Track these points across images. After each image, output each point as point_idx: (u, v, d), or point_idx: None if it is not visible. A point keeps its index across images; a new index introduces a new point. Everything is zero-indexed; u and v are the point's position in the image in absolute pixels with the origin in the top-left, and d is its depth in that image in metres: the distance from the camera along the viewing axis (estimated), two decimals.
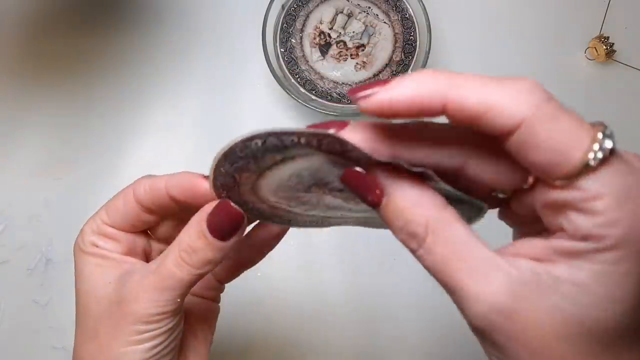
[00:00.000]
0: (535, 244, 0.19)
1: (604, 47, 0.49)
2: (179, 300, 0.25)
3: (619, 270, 0.18)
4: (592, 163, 0.17)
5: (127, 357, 0.25)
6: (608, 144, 0.17)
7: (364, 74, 0.46)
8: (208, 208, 0.25)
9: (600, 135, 0.17)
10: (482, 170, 0.20)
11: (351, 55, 0.47)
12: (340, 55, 0.47)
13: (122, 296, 0.25)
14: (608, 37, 0.49)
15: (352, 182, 0.21)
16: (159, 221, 0.28)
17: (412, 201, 0.20)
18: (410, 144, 0.21)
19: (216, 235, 0.24)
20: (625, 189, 0.18)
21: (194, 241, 0.25)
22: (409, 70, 0.46)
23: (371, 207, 0.21)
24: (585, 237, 0.18)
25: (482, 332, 0.19)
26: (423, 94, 0.19)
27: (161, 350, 0.26)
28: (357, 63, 0.47)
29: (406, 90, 0.19)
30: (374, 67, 0.47)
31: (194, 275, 0.25)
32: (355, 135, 0.21)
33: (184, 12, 0.51)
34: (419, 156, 0.20)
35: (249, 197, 0.25)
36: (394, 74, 0.46)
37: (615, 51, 0.49)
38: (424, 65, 0.45)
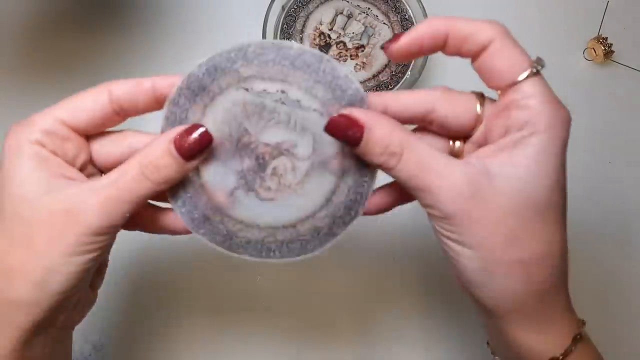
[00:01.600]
0: (485, 149, 0.26)
1: (603, 47, 0.49)
2: (128, 215, 0.26)
3: (546, 151, 0.24)
4: (526, 75, 0.25)
5: (64, 267, 0.25)
6: (538, 67, 0.26)
7: (363, 75, 0.47)
8: (178, 128, 0.26)
9: (534, 62, 0.26)
10: (446, 110, 0.27)
11: (351, 56, 0.47)
12: (340, 56, 0.47)
13: (70, 206, 0.25)
14: (607, 38, 0.49)
15: (338, 126, 0.26)
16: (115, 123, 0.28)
17: (389, 129, 0.26)
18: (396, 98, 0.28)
19: (183, 155, 0.25)
20: (547, 92, 0.25)
21: (159, 158, 0.25)
22: (409, 70, 0.47)
23: (351, 145, 0.26)
24: (522, 126, 0.25)
25: (452, 218, 0.25)
26: (434, 29, 0.27)
27: (94, 264, 0.26)
28: (356, 64, 0.47)
29: (423, 28, 0.27)
30: (374, 67, 0.47)
31: (151, 191, 0.25)
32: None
33: (184, 13, 0.51)
34: (402, 103, 0.27)
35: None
36: (394, 75, 0.47)
37: (613, 52, 0.49)
38: (423, 66, 0.45)
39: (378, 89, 0.46)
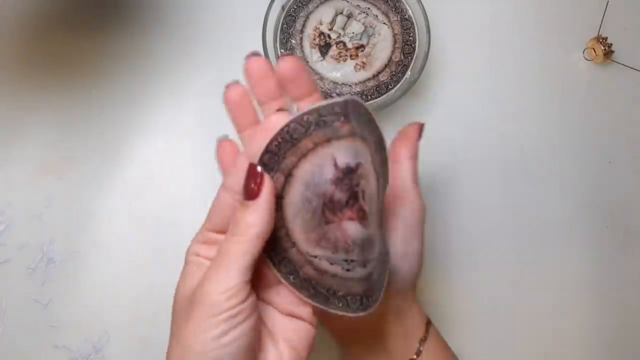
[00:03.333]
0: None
1: (603, 47, 0.49)
2: (240, 281, 0.26)
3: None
4: None
5: (197, 347, 0.26)
6: None
7: (363, 75, 0.47)
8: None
9: None
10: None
11: (351, 56, 0.47)
12: (340, 56, 0.47)
13: (195, 291, 0.27)
14: (606, 38, 0.49)
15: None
16: None
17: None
18: None
19: (244, 196, 0.27)
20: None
21: (234, 214, 0.27)
22: (408, 70, 0.47)
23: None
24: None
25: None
26: None
27: (231, 341, 0.26)
28: (356, 64, 0.47)
29: None
30: (374, 67, 0.47)
31: (243, 245, 0.27)
32: None
33: (184, 13, 0.51)
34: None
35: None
36: (394, 75, 0.47)
37: (613, 52, 0.49)
38: (423, 66, 0.45)
39: (378, 89, 0.46)
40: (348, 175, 0.28)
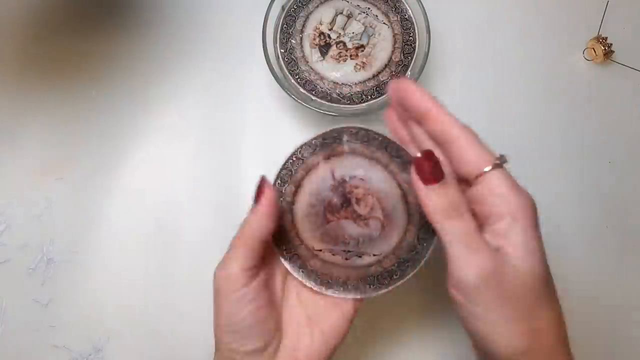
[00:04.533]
0: (486, 238, 0.30)
1: (603, 47, 0.49)
2: (238, 269, 0.32)
3: (528, 235, 0.29)
4: (490, 168, 0.30)
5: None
6: (501, 162, 0.30)
7: (363, 75, 0.47)
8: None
9: (497, 158, 0.31)
10: (461, 153, 0.31)
11: (351, 56, 0.47)
12: (340, 56, 0.47)
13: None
14: (606, 38, 0.49)
15: (423, 168, 0.30)
16: None
17: (456, 189, 0.31)
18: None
19: (253, 202, 0.33)
20: (510, 181, 0.30)
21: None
22: (409, 70, 0.47)
23: (430, 184, 0.30)
24: (501, 215, 0.30)
25: (476, 289, 0.29)
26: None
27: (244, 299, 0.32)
28: (356, 64, 0.47)
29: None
30: (374, 67, 0.47)
31: (241, 239, 0.32)
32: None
33: (184, 14, 0.51)
34: (439, 120, 0.32)
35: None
36: (394, 75, 0.47)
37: (613, 52, 0.49)
38: (423, 66, 0.45)
39: (378, 89, 0.46)
40: (342, 184, 0.35)
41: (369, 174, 0.35)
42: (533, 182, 0.49)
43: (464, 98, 0.50)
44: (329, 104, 0.46)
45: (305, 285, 0.35)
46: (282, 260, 0.35)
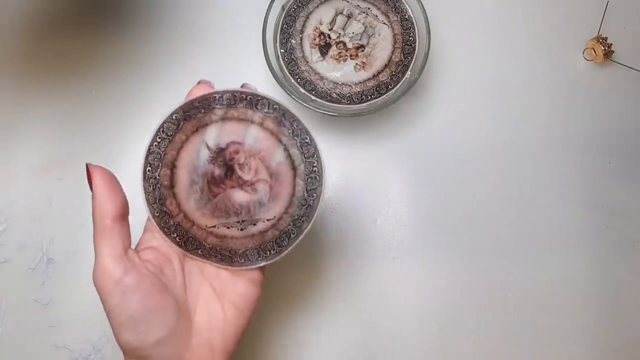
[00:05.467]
0: None
1: (603, 47, 0.49)
2: (109, 257, 0.31)
3: None
4: None
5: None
6: None
7: (363, 75, 0.47)
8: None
9: None
10: None
11: (351, 56, 0.47)
12: (340, 56, 0.47)
13: None
14: (606, 38, 0.49)
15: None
16: None
17: None
18: None
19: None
20: None
21: None
22: (408, 71, 0.47)
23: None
24: None
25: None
26: None
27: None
28: (356, 64, 0.47)
29: None
30: (374, 67, 0.47)
31: (95, 226, 0.32)
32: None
33: (184, 13, 0.51)
34: None
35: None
36: (394, 75, 0.47)
37: (613, 52, 0.49)
38: (423, 66, 0.45)
39: (378, 89, 0.46)
40: (220, 153, 0.33)
41: (245, 136, 0.33)
42: (533, 182, 0.50)
43: (464, 98, 0.50)
44: (329, 104, 0.46)
45: (210, 264, 0.34)
46: (176, 247, 0.34)
